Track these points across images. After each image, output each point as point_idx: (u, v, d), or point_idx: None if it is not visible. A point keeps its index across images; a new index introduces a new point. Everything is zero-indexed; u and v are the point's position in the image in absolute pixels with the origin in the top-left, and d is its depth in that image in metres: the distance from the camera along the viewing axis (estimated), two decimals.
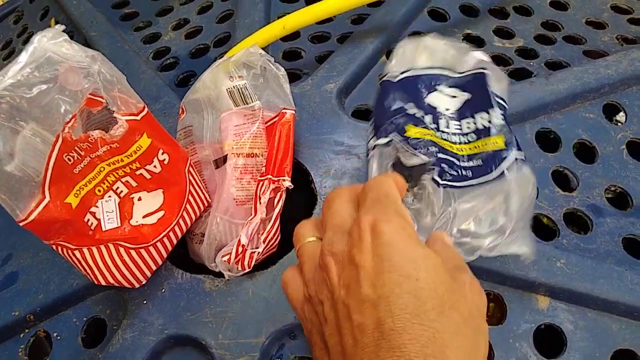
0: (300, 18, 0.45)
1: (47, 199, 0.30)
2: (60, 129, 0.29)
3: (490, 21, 0.54)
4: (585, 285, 0.35)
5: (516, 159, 0.35)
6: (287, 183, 0.38)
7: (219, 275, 0.38)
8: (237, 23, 0.53)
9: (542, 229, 0.40)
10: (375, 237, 0.24)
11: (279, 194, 0.38)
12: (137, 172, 0.33)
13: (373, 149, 0.37)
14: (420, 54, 0.41)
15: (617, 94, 0.46)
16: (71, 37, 0.65)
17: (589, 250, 0.37)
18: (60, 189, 0.30)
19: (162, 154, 0.34)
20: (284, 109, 0.41)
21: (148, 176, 0.34)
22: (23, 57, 0.28)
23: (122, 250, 0.34)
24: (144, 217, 0.34)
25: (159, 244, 0.36)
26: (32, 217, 0.29)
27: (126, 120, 0.31)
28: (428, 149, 0.35)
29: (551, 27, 0.54)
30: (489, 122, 0.37)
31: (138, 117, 0.32)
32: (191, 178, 0.37)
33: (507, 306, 0.36)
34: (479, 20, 0.54)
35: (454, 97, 0.40)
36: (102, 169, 0.32)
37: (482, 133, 0.37)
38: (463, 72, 0.40)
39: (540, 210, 0.40)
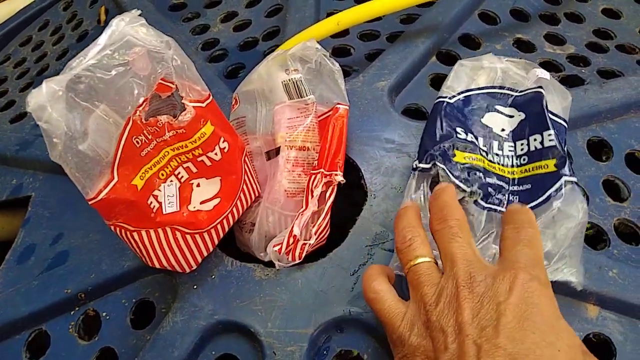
0: (354, 15, 0.46)
1: (115, 179, 0.30)
2: (132, 111, 0.30)
3: (541, 26, 0.53)
4: (637, 296, 0.35)
5: (565, 182, 0.34)
6: (339, 178, 0.38)
7: (268, 264, 0.38)
8: (288, 18, 0.53)
9: (591, 237, 0.39)
10: (525, 295, 0.25)
11: (330, 188, 0.38)
12: (199, 159, 0.34)
13: (415, 169, 0.37)
14: (480, 73, 0.40)
15: None
16: None
17: None
18: (128, 171, 0.31)
19: (223, 142, 0.35)
20: (338, 104, 0.41)
21: (208, 163, 0.34)
22: (102, 40, 0.29)
23: (178, 234, 0.35)
24: (201, 203, 0.35)
25: (212, 231, 0.36)
26: (100, 196, 0.30)
27: (193, 107, 0.32)
28: (473, 175, 0.35)
29: (603, 35, 0.53)
30: (542, 144, 0.37)
31: (204, 105, 0.33)
32: (246, 168, 0.38)
33: None
34: (529, 25, 0.53)
35: (511, 117, 0.40)
36: (166, 154, 0.33)
37: (535, 156, 0.37)
38: (523, 91, 0.40)
39: (591, 219, 0.40)
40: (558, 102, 0.38)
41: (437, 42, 0.49)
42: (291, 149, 0.40)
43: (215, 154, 0.34)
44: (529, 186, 0.35)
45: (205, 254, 0.38)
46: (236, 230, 0.42)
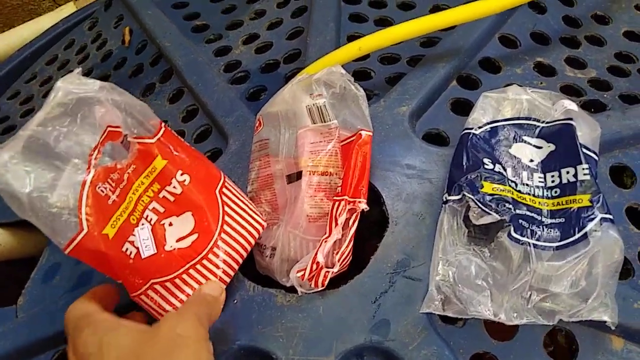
0: (376, 40, 0.46)
1: (85, 230, 0.32)
2: (91, 162, 0.32)
3: (562, 50, 0.53)
4: None
5: (602, 220, 0.34)
6: (363, 205, 0.38)
7: (289, 290, 0.38)
8: (309, 41, 0.54)
9: None
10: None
11: (354, 215, 0.38)
12: (160, 195, 0.35)
13: (445, 203, 0.37)
14: (506, 104, 0.40)
15: None
16: (144, 47, 0.67)
17: None
18: (97, 220, 0.32)
19: (182, 174, 0.35)
20: (361, 129, 0.41)
21: (171, 198, 0.35)
22: (49, 102, 0.30)
23: (171, 286, 0.35)
24: (177, 241, 0.35)
25: (199, 267, 0.36)
26: (71, 247, 0.31)
27: (138, 144, 0.33)
28: (502, 206, 0.35)
29: (625, 59, 0.53)
30: (575, 177, 0.36)
31: (153, 140, 0.34)
32: (226, 199, 0.38)
33: (579, 344, 0.36)
34: (550, 48, 0.53)
35: (539, 147, 0.39)
36: (131, 198, 0.34)
37: (567, 189, 0.36)
38: (550, 122, 0.39)
39: None
40: (587, 133, 0.37)
41: (457, 66, 0.50)
42: (313, 174, 0.40)
43: (174, 187, 0.35)
44: (562, 220, 0.35)
45: None
46: (256, 255, 0.43)
